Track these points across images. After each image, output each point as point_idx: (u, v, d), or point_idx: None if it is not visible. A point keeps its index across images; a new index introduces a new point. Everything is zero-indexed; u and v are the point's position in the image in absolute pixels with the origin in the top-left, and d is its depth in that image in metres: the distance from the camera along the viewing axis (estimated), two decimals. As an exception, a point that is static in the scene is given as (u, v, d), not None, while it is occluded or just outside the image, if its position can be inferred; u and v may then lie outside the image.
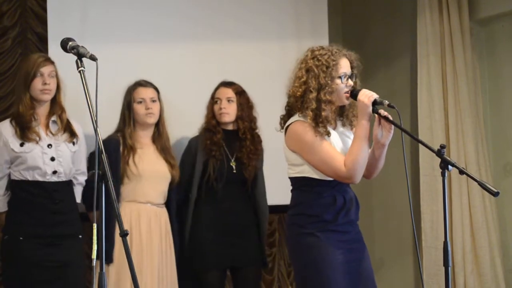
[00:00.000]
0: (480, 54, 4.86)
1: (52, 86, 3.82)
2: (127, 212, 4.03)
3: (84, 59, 2.71)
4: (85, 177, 4.01)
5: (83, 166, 4.01)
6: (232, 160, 4.27)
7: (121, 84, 4.24)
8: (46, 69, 3.80)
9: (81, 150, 3.97)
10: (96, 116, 2.60)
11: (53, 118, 3.87)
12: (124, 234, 2.51)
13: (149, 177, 4.07)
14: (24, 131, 3.77)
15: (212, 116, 4.30)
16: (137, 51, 4.57)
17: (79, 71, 2.68)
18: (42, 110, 3.86)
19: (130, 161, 4.05)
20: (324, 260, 3.15)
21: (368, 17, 5.56)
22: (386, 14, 5.42)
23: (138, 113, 4.13)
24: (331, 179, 3.19)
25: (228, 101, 4.28)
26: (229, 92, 4.30)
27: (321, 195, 3.21)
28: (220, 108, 4.27)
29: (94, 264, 2.53)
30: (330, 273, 3.13)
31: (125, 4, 4.62)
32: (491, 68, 4.85)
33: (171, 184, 4.18)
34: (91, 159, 4.00)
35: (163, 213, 4.15)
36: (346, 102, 3.22)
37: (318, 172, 3.19)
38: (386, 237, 5.35)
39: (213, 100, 4.32)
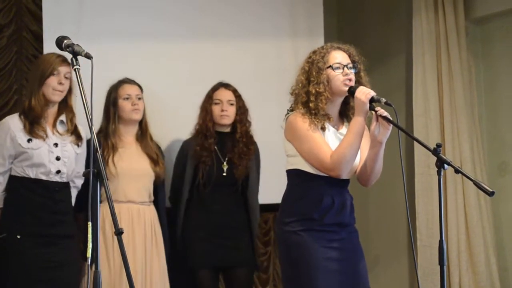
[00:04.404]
0: (476, 53, 4.86)
1: (66, 87, 3.81)
2: (108, 212, 4.01)
3: (79, 57, 2.71)
4: (82, 181, 3.95)
5: (82, 169, 3.96)
6: (224, 163, 4.28)
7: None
8: (63, 69, 3.78)
9: (83, 153, 3.94)
10: (91, 114, 2.60)
11: (61, 118, 3.85)
12: (119, 233, 2.51)
13: (128, 176, 4.06)
14: (33, 127, 3.75)
15: (210, 118, 4.27)
16: (132, 50, 4.57)
17: (74, 69, 2.68)
18: (51, 110, 3.84)
19: (110, 161, 4.04)
20: (306, 259, 3.15)
21: (364, 17, 5.57)
22: (382, 13, 5.42)
23: (124, 109, 4.13)
24: (323, 174, 3.18)
25: (229, 103, 4.29)
26: (230, 95, 4.30)
27: (309, 192, 3.20)
28: (222, 110, 4.26)
29: (89, 263, 2.53)
30: (312, 272, 3.13)
31: (120, 4, 4.61)
32: (486, 67, 4.86)
33: (156, 181, 4.18)
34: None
35: (148, 211, 4.13)
36: (344, 89, 3.19)
37: (311, 166, 3.19)
38: (381, 236, 5.35)
39: (212, 100, 4.30)
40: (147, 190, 4.14)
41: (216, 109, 4.28)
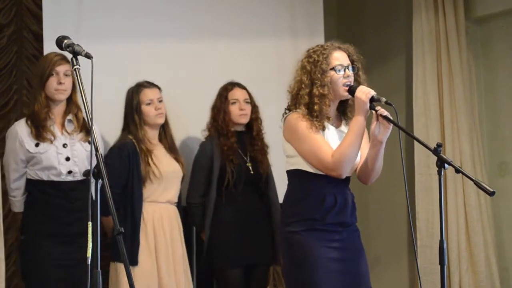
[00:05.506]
0: (476, 53, 4.87)
1: (67, 85, 3.80)
2: (150, 213, 4.04)
3: (79, 57, 2.71)
4: None
5: None
6: (248, 161, 4.29)
7: (116, 82, 4.25)
8: (61, 68, 3.78)
9: (98, 148, 3.92)
10: (92, 114, 2.60)
11: (69, 117, 3.85)
12: (118, 233, 2.52)
13: (168, 177, 4.10)
14: (39, 131, 3.75)
15: (229, 118, 4.27)
16: (132, 50, 4.57)
17: (74, 69, 2.68)
18: (58, 109, 3.84)
19: (151, 163, 4.06)
20: (308, 259, 3.15)
21: (364, 17, 5.57)
22: (382, 13, 5.42)
23: (149, 115, 4.13)
24: (324, 174, 3.18)
25: (245, 102, 4.30)
26: (245, 94, 4.32)
27: (311, 192, 3.20)
28: (241, 109, 4.27)
29: (89, 263, 2.53)
30: (313, 272, 3.14)
31: (120, 4, 4.62)
32: (486, 67, 4.86)
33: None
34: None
35: (177, 211, 4.19)
36: (345, 94, 3.21)
37: (311, 166, 3.19)
38: (381, 236, 5.36)
39: (228, 101, 4.29)
40: (178, 191, 4.21)
41: (234, 109, 4.28)
